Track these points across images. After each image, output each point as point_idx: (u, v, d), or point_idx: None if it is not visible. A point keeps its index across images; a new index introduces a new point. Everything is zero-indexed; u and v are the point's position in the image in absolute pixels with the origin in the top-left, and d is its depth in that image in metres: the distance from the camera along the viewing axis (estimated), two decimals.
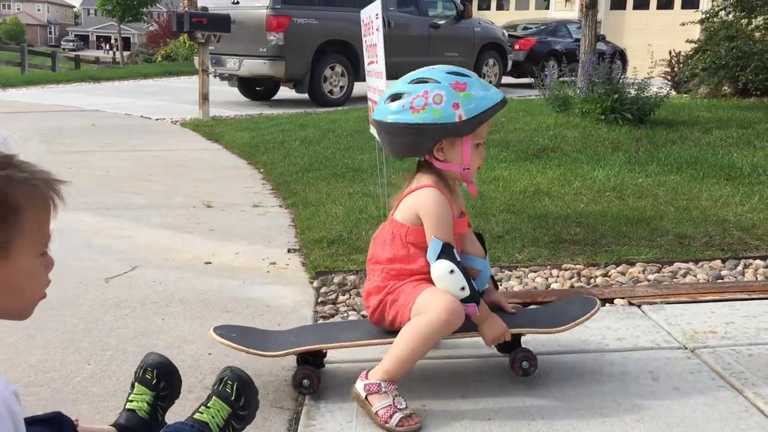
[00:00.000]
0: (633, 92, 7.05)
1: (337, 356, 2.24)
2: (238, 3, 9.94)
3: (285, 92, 10.94)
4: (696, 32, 11.30)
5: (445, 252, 1.90)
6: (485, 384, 2.06)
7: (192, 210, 4.21)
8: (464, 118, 1.91)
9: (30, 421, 1.29)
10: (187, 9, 8.87)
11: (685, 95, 10.47)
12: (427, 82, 1.96)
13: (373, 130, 3.54)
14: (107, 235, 3.65)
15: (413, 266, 2.00)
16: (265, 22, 9.62)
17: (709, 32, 9.80)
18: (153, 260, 3.26)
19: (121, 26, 32.29)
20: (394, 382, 1.87)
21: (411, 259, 2.00)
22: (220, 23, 8.45)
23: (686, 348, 2.30)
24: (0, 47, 32.29)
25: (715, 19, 9.72)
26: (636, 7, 20.78)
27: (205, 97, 8.60)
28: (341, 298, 2.86)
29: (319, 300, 2.83)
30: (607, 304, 2.75)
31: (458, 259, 1.91)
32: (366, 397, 1.86)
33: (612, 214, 3.85)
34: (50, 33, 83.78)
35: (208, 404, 1.58)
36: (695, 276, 3.07)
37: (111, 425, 1.57)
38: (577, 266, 3.14)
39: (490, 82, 12.53)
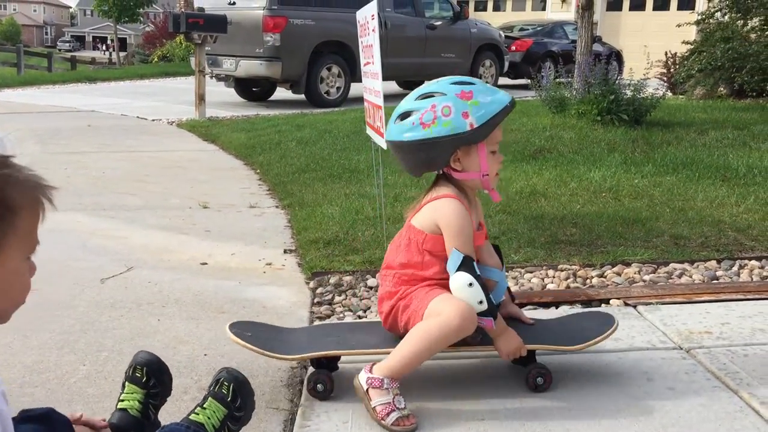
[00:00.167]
0: (629, 93, 7.07)
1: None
2: (234, 4, 9.93)
3: (281, 93, 10.94)
4: (692, 33, 11.34)
5: (466, 265, 1.89)
6: (480, 384, 2.06)
7: (188, 211, 4.21)
8: (475, 126, 1.91)
9: (21, 419, 1.29)
10: (183, 10, 8.86)
11: (681, 96, 10.49)
12: (433, 96, 1.96)
13: (369, 131, 3.55)
14: (103, 236, 3.64)
15: (426, 273, 2.00)
16: (261, 22, 9.61)
17: (705, 33, 9.83)
18: (149, 261, 3.26)
19: (118, 27, 32.25)
20: (396, 379, 1.86)
21: (425, 266, 2.00)
22: (217, 24, 8.44)
23: (681, 348, 2.31)
24: None
25: (710, 21, 9.75)
26: (632, 8, 20.83)
27: (201, 98, 8.59)
28: (337, 298, 2.86)
29: (315, 301, 2.83)
30: (602, 305, 2.75)
31: (478, 272, 1.91)
32: (367, 390, 1.86)
33: (608, 214, 3.86)
34: (46, 34, 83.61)
35: (204, 405, 1.58)
36: (691, 277, 3.08)
37: None
38: (573, 267, 3.15)
39: (487, 83, 12.57)
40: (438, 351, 1.92)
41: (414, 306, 1.97)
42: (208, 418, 1.54)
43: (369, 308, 2.77)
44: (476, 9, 23.05)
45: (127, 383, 1.62)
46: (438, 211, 1.97)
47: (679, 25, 10.41)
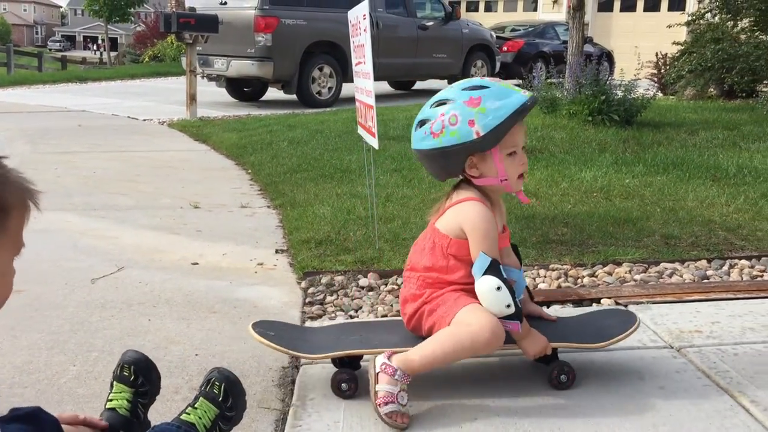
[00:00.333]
0: (620, 94, 7.09)
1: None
2: (225, 4, 9.91)
3: (273, 93, 10.92)
4: (682, 34, 11.39)
5: (493, 268, 1.89)
6: (471, 383, 2.06)
7: (179, 211, 4.20)
8: (482, 134, 1.90)
9: (9, 418, 1.28)
10: (174, 9, 8.81)
11: (671, 97, 10.54)
12: (444, 103, 1.96)
13: (361, 131, 3.55)
14: (93, 236, 3.63)
15: (451, 277, 1.99)
16: (253, 22, 9.59)
17: (696, 34, 9.88)
18: (140, 261, 3.24)
19: (108, 27, 32.12)
20: (409, 375, 1.85)
21: (450, 270, 1.99)
22: (208, 24, 8.42)
23: (672, 347, 2.32)
24: None
25: (701, 21, 9.80)
26: (623, 9, 20.92)
27: (192, 98, 8.57)
28: (329, 298, 2.85)
29: (307, 300, 2.83)
30: (593, 304, 2.76)
31: (504, 276, 1.90)
32: (377, 374, 1.85)
33: (599, 214, 3.87)
34: (36, 33, 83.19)
35: (195, 405, 1.57)
36: (681, 276, 3.09)
37: None
38: (565, 266, 3.16)
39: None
40: (460, 359, 1.92)
41: (441, 312, 1.96)
42: (199, 418, 1.54)
43: (360, 308, 2.77)
44: (468, 9, 23.11)
45: (115, 383, 1.61)
46: (462, 215, 1.96)
47: (669, 26, 10.46)
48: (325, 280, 3.02)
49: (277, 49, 9.65)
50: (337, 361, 2.04)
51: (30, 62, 23.33)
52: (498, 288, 1.87)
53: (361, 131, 3.55)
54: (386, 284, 2.99)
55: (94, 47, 66.36)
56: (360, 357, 2.05)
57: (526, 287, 2.18)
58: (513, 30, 15.54)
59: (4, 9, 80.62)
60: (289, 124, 7.75)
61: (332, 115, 8.52)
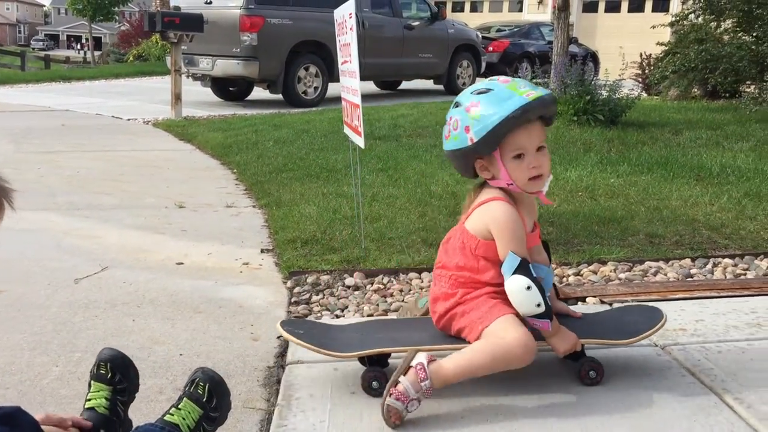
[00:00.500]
0: (605, 94, 7.13)
1: (309, 356, 2.23)
2: (211, 3, 9.86)
3: (259, 93, 10.89)
4: (666, 35, 11.46)
5: (522, 268, 1.88)
6: (459, 383, 2.06)
7: (164, 210, 4.17)
8: (475, 140, 1.90)
9: None
10: (159, 8, 8.77)
11: (655, 97, 10.61)
12: (457, 106, 1.98)
13: (347, 131, 3.54)
14: (77, 236, 3.59)
15: (483, 277, 1.99)
16: (238, 22, 9.56)
17: (679, 35, 9.94)
18: (124, 261, 3.22)
19: (92, 25, 31.85)
20: (436, 388, 1.83)
21: (481, 270, 1.99)
22: (193, 23, 8.38)
23: (657, 345, 2.33)
24: None
25: (684, 22, 9.86)
26: (608, 10, 21.05)
27: (177, 98, 8.52)
28: (315, 298, 2.85)
29: (293, 300, 2.82)
30: (578, 302, 2.77)
31: (534, 275, 1.89)
32: (410, 368, 1.83)
33: (584, 213, 3.89)
34: (19, 32, 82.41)
35: (179, 406, 1.56)
36: (665, 274, 3.11)
37: None
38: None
39: (464, 84, 12.62)
40: (489, 373, 1.90)
41: (474, 316, 1.95)
42: (183, 418, 1.53)
43: (346, 307, 2.76)
44: (454, 10, 23.17)
45: (92, 382, 1.59)
46: (488, 215, 1.96)
47: (653, 27, 10.52)
48: (310, 279, 3.01)
49: (263, 48, 9.62)
50: (366, 360, 2.02)
51: (13, 61, 23.08)
52: (528, 287, 1.87)
53: (347, 130, 3.54)
54: (372, 284, 2.98)
55: (78, 46, 65.84)
56: (388, 355, 2.04)
57: (554, 284, 2.18)
58: (498, 30, 15.60)
59: None
60: (275, 124, 7.72)
61: (318, 115, 8.50)
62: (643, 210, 3.99)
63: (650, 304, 2.40)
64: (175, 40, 8.38)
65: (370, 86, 12.91)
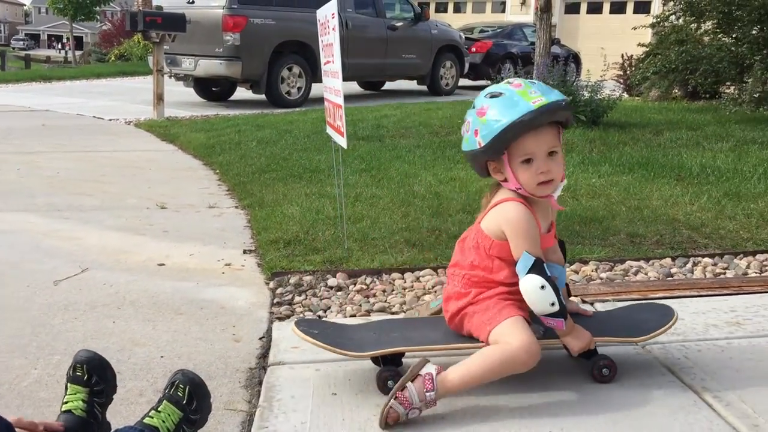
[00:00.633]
0: (587, 95, 7.17)
1: (290, 357, 2.23)
2: (193, 2, 9.81)
3: (242, 93, 10.85)
4: (647, 36, 11.55)
5: (536, 267, 1.89)
6: None
7: (145, 211, 4.14)
8: (483, 144, 1.92)
9: None
10: (141, 8, 8.70)
11: (637, 98, 10.69)
12: (473, 108, 1.99)
13: (329, 131, 3.53)
14: (57, 237, 3.56)
15: (497, 276, 2.00)
16: (221, 21, 9.52)
17: (660, 36, 10.02)
18: (104, 262, 3.19)
19: (74, 25, 31.58)
20: (436, 401, 1.83)
21: (495, 270, 2.00)
22: (175, 22, 8.33)
23: (637, 344, 2.34)
24: None
25: (665, 24, 9.94)
26: (590, 11, 21.19)
27: (159, 98, 8.47)
28: (297, 298, 2.83)
29: (275, 301, 2.80)
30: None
31: (548, 274, 1.91)
32: (419, 376, 1.83)
33: (566, 213, 3.90)
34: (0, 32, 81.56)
35: (159, 408, 1.55)
36: (646, 274, 3.13)
37: None
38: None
39: (447, 84, 12.64)
40: (496, 379, 1.91)
41: (484, 317, 1.96)
42: (163, 421, 1.52)
43: (329, 308, 2.75)
44: (437, 10, 23.20)
45: (69, 384, 1.58)
46: (501, 216, 1.97)
47: (635, 28, 10.61)
48: (293, 280, 3.00)
49: (246, 48, 9.58)
50: (379, 359, 2.02)
51: None
52: (542, 287, 1.88)
53: (329, 131, 3.53)
54: (355, 284, 2.98)
55: (59, 46, 65.22)
56: (402, 354, 2.04)
57: (566, 284, 2.19)
58: (482, 31, 15.64)
59: None
60: (258, 124, 7.70)
61: (301, 115, 8.48)
62: (624, 210, 4.01)
63: (661, 302, 2.43)
64: (158, 40, 8.33)
65: (354, 87, 12.90)
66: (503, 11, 22.55)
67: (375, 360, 2.04)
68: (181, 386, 1.58)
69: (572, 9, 21.36)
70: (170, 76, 10.22)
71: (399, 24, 11.69)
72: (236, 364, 2.22)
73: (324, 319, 2.62)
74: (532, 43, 11.97)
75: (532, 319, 1.99)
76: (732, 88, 9.59)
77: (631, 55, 11.42)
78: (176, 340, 2.38)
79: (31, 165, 5.45)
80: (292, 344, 2.31)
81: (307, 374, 2.11)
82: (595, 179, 4.79)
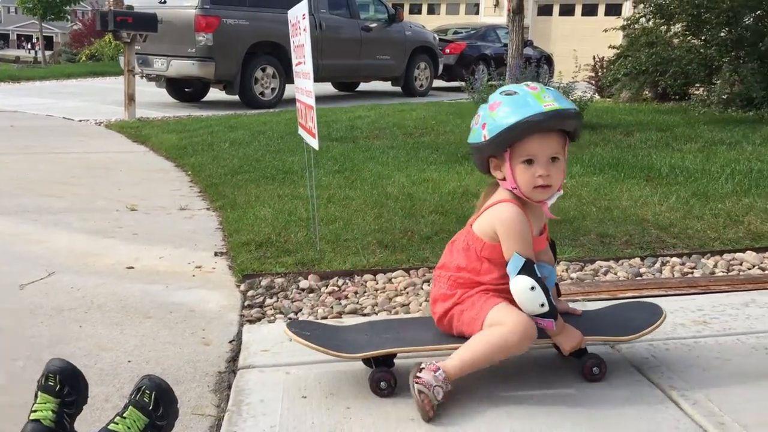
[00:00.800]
0: None
1: (261, 360, 2.21)
2: (165, 2, 9.72)
3: (215, 94, 10.77)
4: (619, 38, 11.67)
5: (527, 268, 1.91)
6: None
7: (115, 214, 4.09)
8: (487, 138, 1.94)
9: None
10: (112, 7, 8.60)
11: (608, 99, 10.80)
12: (486, 102, 2.01)
13: (301, 132, 3.52)
14: (24, 240, 3.50)
15: (483, 278, 2.02)
16: (193, 22, 9.44)
17: (631, 39, 10.13)
18: (72, 266, 3.14)
19: (43, 24, 31.10)
20: (449, 380, 1.87)
21: (482, 272, 2.02)
22: (147, 22, 8.24)
23: (606, 343, 2.35)
24: None
25: (636, 26, 10.05)
26: (562, 13, 21.37)
27: (131, 98, 8.38)
28: (269, 301, 2.82)
29: (246, 304, 2.79)
30: None
31: (539, 275, 1.92)
32: (424, 368, 1.87)
33: None
34: None
35: (125, 414, 1.53)
36: (616, 274, 3.16)
37: None
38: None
39: (421, 85, 12.67)
40: (494, 362, 1.93)
41: (472, 314, 1.98)
42: (128, 427, 1.50)
43: (300, 310, 2.74)
44: (411, 12, 23.24)
45: (39, 393, 1.55)
46: (495, 217, 1.98)
47: (606, 30, 10.70)
48: (264, 282, 2.98)
49: (219, 49, 9.52)
50: (371, 360, 2.02)
51: None
52: (532, 288, 1.90)
53: (301, 132, 3.52)
54: (327, 286, 2.97)
55: (29, 46, 64.19)
56: (394, 355, 2.04)
57: (556, 284, 2.21)
58: (455, 33, 15.70)
59: None
60: (231, 125, 7.65)
61: (275, 116, 8.44)
62: (594, 210, 4.05)
63: (649, 300, 2.46)
64: (128, 40, 8.24)
65: (328, 87, 12.88)
66: (477, 13, 22.65)
67: (366, 361, 2.04)
68: (148, 392, 1.56)
69: (545, 11, 21.53)
70: (142, 77, 10.13)
71: (373, 25, 11.69)
72: (205, 368, 2.20)
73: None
74: (506, 45, 12.02)
75: None
76: (701, 89, 9.73)
77: (603, 57, 11.54)
78: (144, 345, 2.35)
79: None
80: (263, 347, 2.29)
81: (278, 377, 2.09)
82: (566, 180, 4.82)
